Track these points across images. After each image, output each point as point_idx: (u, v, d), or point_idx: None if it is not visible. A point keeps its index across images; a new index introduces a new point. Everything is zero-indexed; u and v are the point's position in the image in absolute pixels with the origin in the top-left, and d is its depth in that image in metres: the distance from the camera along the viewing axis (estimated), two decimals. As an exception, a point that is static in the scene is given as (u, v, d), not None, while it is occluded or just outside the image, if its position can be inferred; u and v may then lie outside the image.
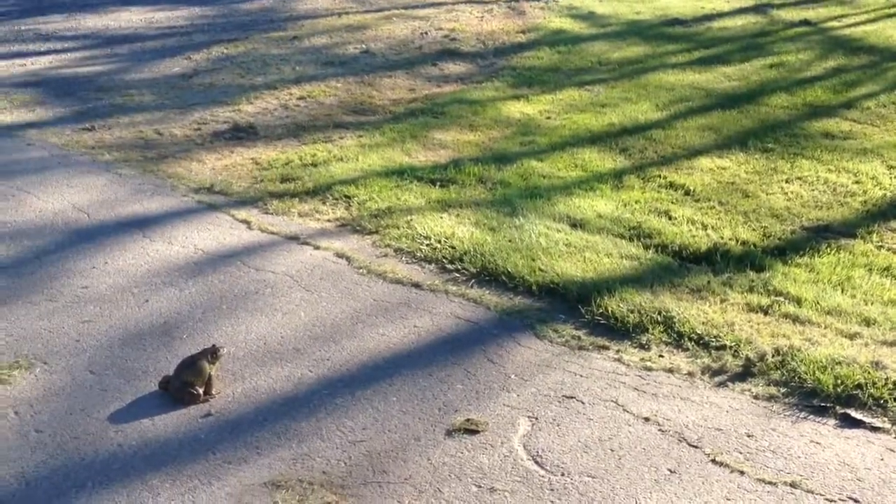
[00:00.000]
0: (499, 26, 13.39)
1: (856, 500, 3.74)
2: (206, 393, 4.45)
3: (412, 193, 7.07)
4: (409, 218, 6.54)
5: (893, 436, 4.15)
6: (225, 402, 4.46)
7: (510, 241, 6.11)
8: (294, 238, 6.34)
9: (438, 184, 7.30)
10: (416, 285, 5.63)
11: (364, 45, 12.36)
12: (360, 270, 5.82)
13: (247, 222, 6.64)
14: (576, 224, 6.52)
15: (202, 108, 9.69)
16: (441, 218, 6.55)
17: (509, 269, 5.68)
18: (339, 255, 6.03)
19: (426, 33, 12.97)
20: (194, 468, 3.98)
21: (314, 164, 7.82)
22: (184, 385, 4.41)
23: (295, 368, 4.73)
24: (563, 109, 9.49)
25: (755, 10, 14.45)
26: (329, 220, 6.68)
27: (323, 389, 4.55)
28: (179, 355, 4.68)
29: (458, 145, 8.33)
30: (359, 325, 5.13)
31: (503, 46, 12.26)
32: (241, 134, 8.79)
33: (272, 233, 6.44)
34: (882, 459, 3.99)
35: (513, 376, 4.65)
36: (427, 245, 6.12)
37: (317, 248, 6.18)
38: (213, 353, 4.50)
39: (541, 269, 5.66)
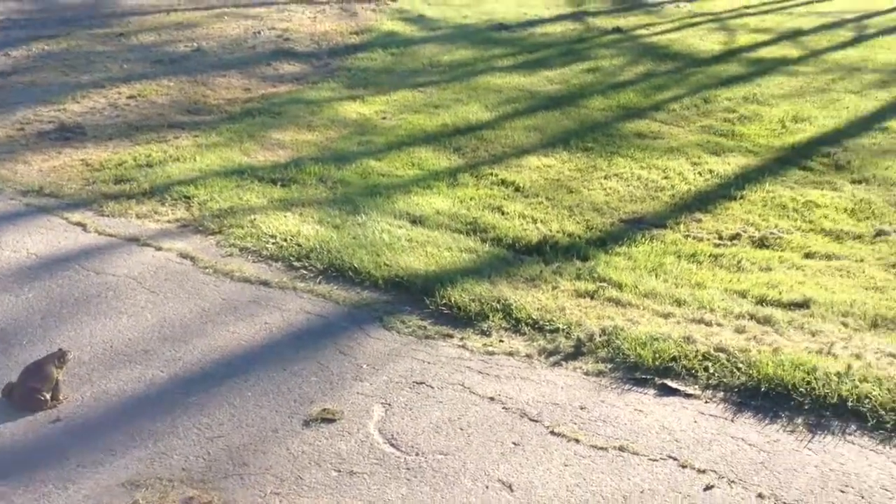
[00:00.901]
0: (332, 27, 13.51)
1: (674, 458, 4.16)
2: (53, 398, 4.38)
3: (254, 193, 7.13)
4: (252, 217, 6.61)
5: (704, 401, 4.61)
6: (74, 406, 4.42)
7: (354, 238, 6.30)
8: (134, 240, 6.28)
9: (280, 183, 7.39)
10: (265, 283, 5.73)
11: (195, 44, 12.19)
12: (206, 270, 5.86)
13: (82, 225, 6.52)
14: (416, 220, 6.78)
15: (24, 108, 9.33)
16: (285, 217, 6.66)
17: (355, 265, 5.88)
18: (183, 256, 6.04)
19: (259, 33, 12.91)
20: (47, 474, 3.95)
21: (149, 165, 7.72)
22: (30, 391, 4.32)
23: (145, 369, 4.74)
24: (397, 110, 9.74)
25: (573, 17, 15.19)
26: (169, 221, 6.65)
27: (176, 389, 4.60)
28: (20, 362, 4.59)
29: (296, 145, 8.42)
30: (209, 325, 5.19)
31: (337, 47, 12.40)
32: (69, 134, 8.53)
33: (110, 235, 6.35)
34: (695, 422, 4.43)
35: (364, 366, 4.85)
36: (273, 243, 6.23)
37: (158, 249, 6.16)
38: (59, 358, 4.43)
39: (386, 264, 5.89)
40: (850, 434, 4.30)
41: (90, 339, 5.02)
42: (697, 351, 4.93)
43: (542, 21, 14.77)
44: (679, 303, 5.62)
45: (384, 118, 9.48)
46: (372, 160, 8.08)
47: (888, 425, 4.32)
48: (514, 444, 4.25)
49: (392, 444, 4.21)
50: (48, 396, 4.36)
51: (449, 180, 7.72)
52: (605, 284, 5.81)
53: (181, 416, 4.37)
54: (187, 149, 8.15)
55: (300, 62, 11.60)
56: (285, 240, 6.25)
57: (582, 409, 4.53)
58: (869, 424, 4.34)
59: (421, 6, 15.35)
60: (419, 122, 9.33)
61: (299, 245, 6.17)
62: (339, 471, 4.03)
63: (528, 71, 11.58)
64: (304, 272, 5.89)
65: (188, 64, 11.29)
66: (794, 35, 13.76)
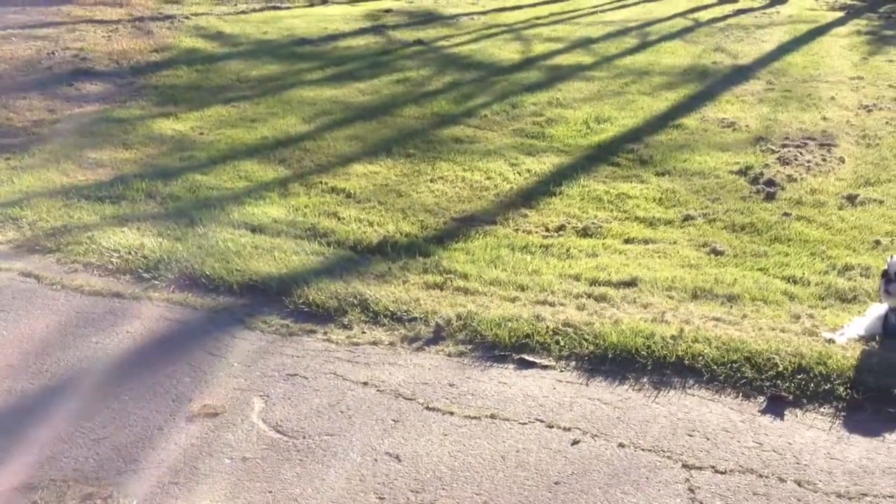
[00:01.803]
0: (130, 45, 13.40)
1: (541, 420, 4.65)
2: None
3: (84, 211, 7.13)
4: (89, 234, 6.64)
5: (559, 370, 5.15)
6: None
7: (200, 247, 6.47)
8: None
9: (108, 201, 7.42)
10: (117, 295, 5.82)
11: (-14, 67, 11.76)
12: (54, 286, 5.88)
13: None
14: (255, 229, 7.02)
15: None
16: (122, 232, 6.73)
17: (207, 272, 6.07)
18: (26, 275, 6.02)
19: (53, 53, 12.63)
20: None
21: None
22: None
23: (14, 382, 4.77)
24: (213, 125, 9.88)
25: (373, 30, 15.79)
26: (1, 243, 6.56)
27: (50, 398, 4.66)
28: None
29: (115, 163, 8.42)
30: (69, 337, 5.25)
31: (139, 65, 12.35)
32: None
33: None
34: (554, 388, 4.96)
35: (235, 364, 5.08)
36: (117, 257, 6.30)
37: None
38: None
39: (237, 270, 6.11)
40: (689, 388, 4.93)
41: None
42: (547, 327, 5.48)
43: (344, 35, 15.26)
44: (522, 288, 6.17)
45: (201, 133, 9.60)
46: (198, 174, 8.22)
47: (720, 377, 4.98)
48: (393, 420, 4.62)
49: (278, 431, 4.48)
50: None
51: (280, 190, 8.00)
52: (451, 276, 6.29)
53: (61, 422, 4.44)
54: (1, 172, 7.98)
55: (103, 81, 11.47)
56: (129, 253, 6.34)
57: (451, 385, 4.96)
58: (704, 378, 4.99)
59: (218, 23, 15.46)
60: (238, 136, 9.53)
61: (145, 257, 6.28)
62: (232, 458, 4.25)
63: (338, 83, 12.00)
64: (156, 282, 6.01)
65: None
66: (585, 43, 14.99)
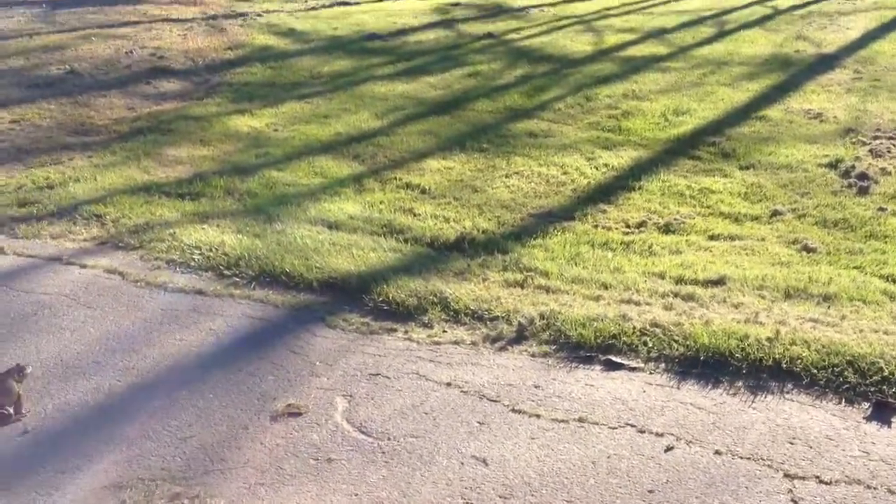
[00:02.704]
0: (204, 44, 13.53)
1: (632, 425, 4.52)
2: (16, 412, 4.42)
3: (165, 208, 7.19)
4: (171, 231, 6.70)
5: (649, 372, 5.00)
6: (39, 418, 4.47)
7: (279, 244, 6.46)
8: (56, 259, 6.29)
9: (188, 198, 7.48)
10: (200, 292, 5.85)
11: (68, 66, 12.02)
12: (138, 283, 5.93)
13: None
14: (332, 226, 6.99)
15: None
16: (203, 229, 6.76)
17: (287, 269, 6.05)
18: (110, 272, 6.10)
19: (131, 52, 12.83)
20: (28, 482, 4.01)
21: (50, 187, 7.70)
22: None
23: (102, 380, 4.81)
24: (288, 122, 9.90)
25: (443, 24, 15.70)
26: (86, 240, 6.67)
27: (137, 396, 4.69)
28: None
29: (194, 160, 8.48)
30: (154, 334, 5.27)
31: (214, 63, 12.46)
32: (-43, 162, 8.34)
33: (30, 256, 6.35)
34: (644, 392, 4.81)
35: (318, 363, 5.03)
36: (199, 254, 6.34)
37: (83, 266, 6.19)
38: (18, 373, 4.50)
39: (317, 267, 6.08)
40: (788, 392, 4.74)
41: (38, 354, 5.04)
42: (634, 328, 5.33)
43: (413, 30, 15.19)
44: (605, 286, 6.01)
45: (276, 130, 9.62)
46: (273, 171, 8.23)
47: (821, 382, 4.78)
48: (479, 423, 4.52)
49: (363, 432, 4.42)
50: (11, 411, 4.41)
51: (355, 186, 7.95)
52: (531, 273, 6.16)
53: (148, 420, 4.47)
54: (85, 169, 8.12)
55: (180, 79, 11.61)
56: (210, 250, 6.37)
57: (536, 387, 4.84)
58: (804, 382, 4.79)
59: (289, 20, 15.53)
60: (312, 133, 9.52)
61: (226, 254, 6.30)
62: (317, 459, 4.21)
63: (409, 78, 11.93)
64: (237, 279, 6.03)
65: (65, 86, 11.15)
66: (659, 33, 14.68)
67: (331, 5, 17.42)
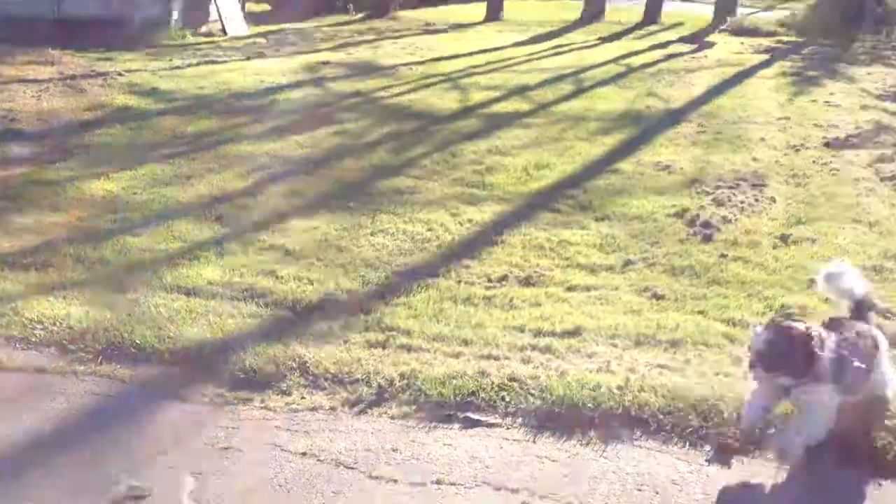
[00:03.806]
0: (60, 105, 13.04)
1: (488, 483, 4.47)
2: None
3: (7, 281, 6.77)
4: (12, 305, 6.29)
5: (506, 427, 4.97)
6: None
7: (130, 315, 6.16)
8: None
9: (34, 268, 7.07)
10: (41, 370, 5.50)
11: (-89, 132, 11.33)
12: (-29, 365, 5.51)
13: None
14: (189, 292, 6.73)
15: None
16: (48, 301, 6.38)
17: (137, 341, 5.77)
18: (-58, 352, 5.64)
19: (-22, 116, 12.22)
20: None
21: None
22: None
23: (-74, 473, 4.40)
24: (147, 184, 9.56)
25: (312, 83, 15.63)
26: (-83, 316, 6.17)
27: (-34, 486, 4.31)
28: None
29: (43, 228, 8.06)
30: (-15, 419, 4.90)
31: (70, 125, 12.00)
32: None
33: None
34: (501, 448, 4.78)
35: (166, 440, 4.78)
36: (41, 329, 5.97)
37: None
38: None
39: (170, 337, 5.82)
40: (637, 439, 4.82)
41: None
42: (492, 383, 5.30)
43: (282, 88, 15.06)
44: (466, 342, 5.97)
45: (134, 193, 9.27)
46: (129, 236, 7.89)
47: (667, 427, 4.89)
48: (333, 492, 4.38)
49: (211, 511, 4.21)
50: None
51: (216, 249, 7.71)
52: (393, 333, 6.07)
53: (-23, 514, 4.12)
54: None
55: (31, 143, 11.08)
56: (54, 324, 6.00)
57: (394, 450, 4.73)
58: (652, 428, 4.88)
59: (152, 79, 15.15)
60: (173, 195, 9.23)
61: (71, 327, 5.95)
62: (163, 546, 3.98)
63: (276, 137, 11.75)
64: (82, 354, 5.68)
65: None
66: (521, 90, 15.00)
67: (197, 64, 17.10)
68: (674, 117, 12.82)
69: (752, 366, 4.45)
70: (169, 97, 13.97)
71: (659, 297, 6.69)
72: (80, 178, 9.67)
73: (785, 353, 4.30)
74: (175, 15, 21.27)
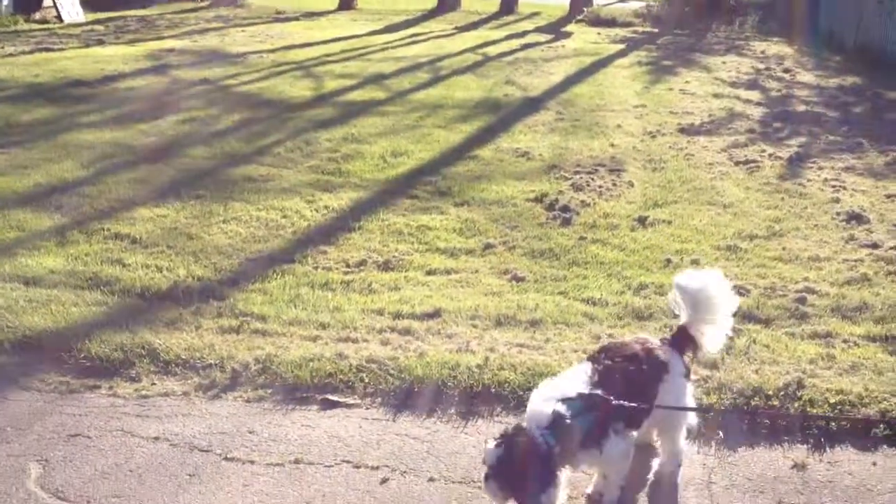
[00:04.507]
0: None
1: (348, 461, 4.59)
2: None
3: None
4: None
5: (365, 408, 5.11)
6: None
7: (-36, 304, 5.99)
8: None
9: None
10: None
11: None
12: None
13: None
14: (29, 282, 6.60)
15: None
16: None
17: (-27, 330, 5.62)
18: None
19: None
20: None
21: None
22: None
23: None
24: (-21, 174, 9.24)
25: (155, 70, 15.34)
26: None
27: None
28: None
29: None
30: None
31: None
32: None
33: None
34: (360, 427, 4.91)
35: (8, 429, 4.71)
36: None
37: None
38: None
39: (9, 326, 5.72)
40: (497, 415, 5.03)
41: None
42: (351, 365, 5.44)
43: (123, 76, 14.75)
44: (323, 326, 6.08)
45: (-35, 183, 8.96)
46: (-40, 226, 7.66)
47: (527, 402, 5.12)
48: (188, 475, 4.41)
49: (59, 498, 4.18)
50: None
51: (57, 239, 7.56)
52: (248, 318, 6.13)
53: None
54: None
55: None
56: None
57: (251, 433, 4.80)
58: (511, 404, 5.10)
59: (-18, 66, 14.58)
60: (8, 185, 8.95)
61: None
62: (6, 533, 3.93)
63: (119, 126, 11.53)
64: (-88, 346, 5.52)
65: None
66: (377, 79, 15.16)
67: (31, 52, 16.55)
68: (532, 105, 13.25)
69: (485, 480, 3.88)
70: (2, 85, 13.45)
71: (519, 280, 6.95)
72: None
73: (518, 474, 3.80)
74: (5, 0, 20.41)
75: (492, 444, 3.87)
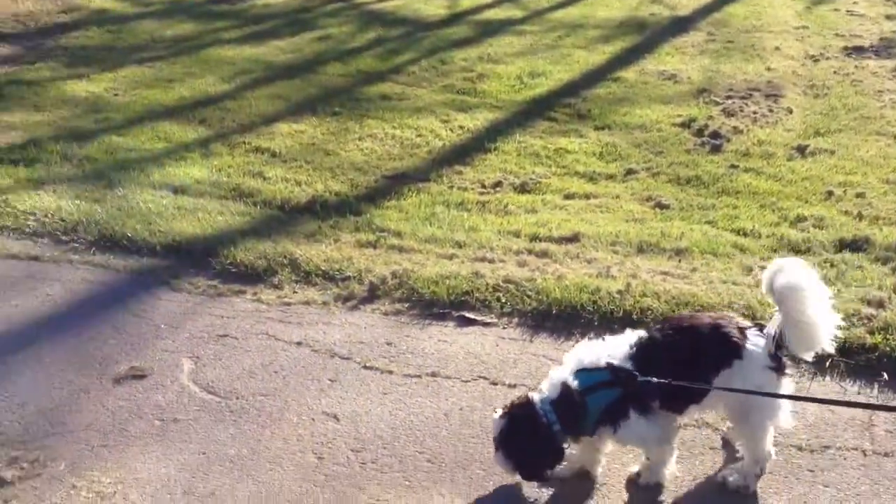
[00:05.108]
0: (36, 7, 13.16)
1: (485, 378, 4.72)
2: None
3: (-4, 175, 7.06)
4: (4, 198, 6.66)
5: (501, 327, 5.22)
6: None
7: (120, 209, 6.45)
8: None
9: (22, 164, 7.42)
10: (35, 258, 5.84)
11: None
12: (-33, 251, 5.84)
13: None
14: (177, 190, 6.98)
15: None
16: (38, 195, 6.71)
17: (129, 234, 6.06)
18: (-63, 238, 5.98)
19: (-43, 17, 12.36)
20: None
21: None
22: None
23: (-69, 347, 4.75)
24: (129, 86, 9.74)
25: (293, -13, 15.60)
26: (-85, 208, 6.53)
27: (-31, 362, 4.65)
28: None
29: (28, 126, 8.32)
30: (-15, 301, 5.21)
31: (47, 27, 12.20)
32: None
33: None
34: (497, 346, 5.04)
35: (162, 326, 5.08)
36: (34, 220, 6.30)
37: None
38: None
39: (160, 231, 6.09)
40: (640, 343, 5.06)
41: None
42: (487, 284, 5.54)
43: (262, -8, 15.07)
44: (459, 245, 6.21)
45: (116, 95, 9.47)
46: (114, 136, 8.15)
47: None
48: (330, 380, 4.66)
49: (210, 392, 4.50)
50: None
51: (201, 151, 7.94)
52: (384, 234, 6.32)
53: (-18, 387, 4.45)
54: None
55: (10, 44, 11.35)
56: (46, 216, 6.34)
57: (389, 344, 5.01)
58: (654, 332, 5.12)
59: (127, -19, 15.15)
60: (155, 97, 9.41)
61: (63, 220, 6.27)
62: (163, 420, 4.28)
63: (257, 42, 11.87)
64: (76, 245, 6.02)
65: None
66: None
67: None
68: (681, 25, 12.86)
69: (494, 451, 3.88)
70: (146, 1, 14.00)
71: (663, 207, 6.88)
72: (61, 79, 9.87)
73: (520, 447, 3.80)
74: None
75: (497, 414, 3.83)
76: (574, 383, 3.74)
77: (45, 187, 6.89)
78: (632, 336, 3.86)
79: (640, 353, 3.76)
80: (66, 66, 10.48)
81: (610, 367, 3.73)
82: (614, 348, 3.82)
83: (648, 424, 3.75)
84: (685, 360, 3.73)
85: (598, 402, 3.72)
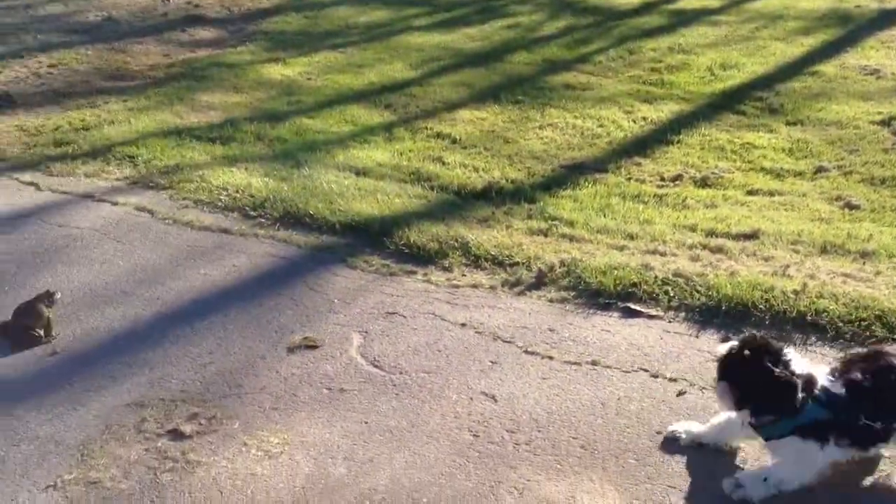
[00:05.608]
0: (241, -7, 13.99)
1: (645, 370, 4.75)
2: (46, 335, 4.92)
3: (195, 151, 7.71)
4: (200, 173, 7.21)
5: (667, 320, 5.22)
6: (67, 341, 4.98)
7: (304, 188, 6.86)
8: (88, 196, 6.89)
9: (218, 142, 8.00)
10: (225, 231, 6.33)
11: (105, 13, 12.68)
12: (166, 221, 6.48)
13: (34, 184, 7.14)
14: (359, 172, 7.34)
15: (-57, 81, 9.65)
16: (231, 172, 7.23)
17: (311, 212, 6.45)
18: (140, 209, 6.68)
19: (168, 0, 13.33)
20: (55, 398, 4.48)
21: (86, 129, 8.34)
22: (24, 329, 4.85)
23: (128, 308, 5.30)
24: (321, 71, 10.26)
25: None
26: (118, 179, 7.29)
27: (161, 324, 5.15)
28: (5, 306, 5.11)
29: (226, 106, 8.92)
30: (179, 268, 5.75)
31: (249, 12, 12.98)
32: (-2, 103, 8.99)
33: (64, 192, 6.97)
34: (661, 339, 5.04)
35: (336, 301, 5.39)
36: (226, 195, 6.82)
37: (115, 203, 6.79)
38: (48, 298, 5.00)
39: (340, 210, 6.44)
40: (811, 345, 4.86)
41: (68, 283, 5.59)
42: (656, 277, 5.53)
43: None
44: (631, 237, 6.22)
45: (309, 79, 9.99)
46: (304, 118, 8.63)
47: (847, 335, 4.88)
48: (491, 362, 4.82)
49: (376, 366, 4.76)
50: (41, 333, 4.92)
51: (385, 135, 8.29)
52: (556, 222, 6.41)
53: (171, 347, 4.92)
54: (119, 112, 8.78)
55: (215, 28, 12.15)
56: (237, 192, 6.84)
57: (551, 331, 5.12)
58: (829, 335, 4.91)
59: (329, -32, 15.85)
60: (345, 82, 9.87)
61: (252, 196, 6.74)
62: (330, 388, 4.57)
63: (447, 29, 12.19)
64: (262, 220, 6.48)
65: (102, 32, 11.84)
66: (712, -14, 14.71)
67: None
68: (889, 18, 12.25)
69: (718, 380, 3.88)
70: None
71: (853, 207, 6.64)
72: (259, 62, 10.52)
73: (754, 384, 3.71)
74: None
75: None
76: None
77: (237, 165, 7.44)
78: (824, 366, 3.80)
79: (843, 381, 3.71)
80: (264, 49, 11.17)
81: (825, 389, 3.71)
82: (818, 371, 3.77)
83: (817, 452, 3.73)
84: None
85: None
